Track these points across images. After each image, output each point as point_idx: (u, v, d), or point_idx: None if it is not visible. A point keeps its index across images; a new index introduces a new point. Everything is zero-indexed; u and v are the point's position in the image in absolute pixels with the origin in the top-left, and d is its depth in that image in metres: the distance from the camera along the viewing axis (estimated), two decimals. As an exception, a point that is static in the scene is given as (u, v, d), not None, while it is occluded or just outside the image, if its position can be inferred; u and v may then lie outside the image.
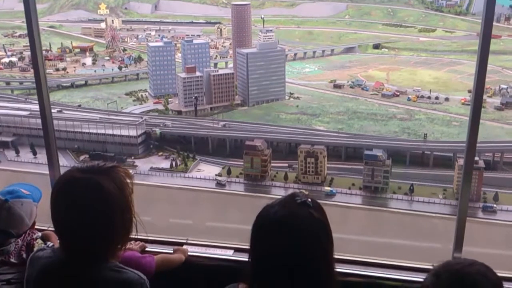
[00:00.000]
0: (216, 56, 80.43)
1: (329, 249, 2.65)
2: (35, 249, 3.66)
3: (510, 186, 43.89)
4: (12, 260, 3.67)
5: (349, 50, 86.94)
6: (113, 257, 2.93)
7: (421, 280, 2.65)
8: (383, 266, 4.56)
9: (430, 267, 4.40)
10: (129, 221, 2.92)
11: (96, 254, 2.85)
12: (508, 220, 40.50)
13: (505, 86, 63.46)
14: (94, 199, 2.81)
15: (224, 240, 4.90)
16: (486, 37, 4.15)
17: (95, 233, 2.80)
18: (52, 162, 4.99)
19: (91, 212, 2.79)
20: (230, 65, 75.83)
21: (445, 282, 2.49)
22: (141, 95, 68.95)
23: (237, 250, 4.69)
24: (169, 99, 66.41)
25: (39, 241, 3.83)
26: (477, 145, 4.45)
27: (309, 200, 2.64)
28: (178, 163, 50.84)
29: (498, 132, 54.39)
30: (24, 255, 3.68)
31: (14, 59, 77.29)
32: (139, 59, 79.38)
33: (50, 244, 3.69)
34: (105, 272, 2.85)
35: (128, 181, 2.96)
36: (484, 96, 56.74)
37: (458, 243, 4.40)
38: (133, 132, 53.02)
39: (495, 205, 41.57)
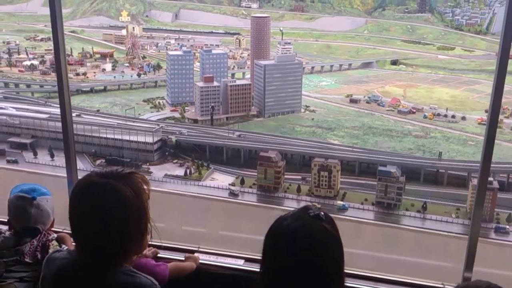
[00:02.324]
0: (234, 66, 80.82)
1: (340, 263, 2.66)
2: (50, 250, 3.72)
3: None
4: (27, 259, 3.73)
5: (366, 65, 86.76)
6: (128, 262, 2.97)
7: None
8: (393, 282, 4.55)
9: (440, 286, 4.42)
10: (145, 227, 2.96)
11: (111, 258, 2.89)
12: (521, 242, 39.98)
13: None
14: (111, 204, 2.85)
15: (235, 250, 4.90)
16: (504, 57, 4.14)
17: (111, 238, 2.84)
18: (71, 165, 5.03)
19: (108, 217, 2.83)
20: (247, 75, 76.13)
21: None
22: (159, 103, 69.43)
23: (248, 260, 4.68)
24: (186, 108, 66.76)
25: (55, 242, 3.88)
26: (492, 165, 4.43)
27: (322, 213, 2.65)
28: (193, 171, 50.99)
29: (514, 153, 53.75)
30: (39, 256, 3.73)
31: (35, 62, 78.28)
32: (158, 67, 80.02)
33: (64, 247, 3.74)
34: (119, 276, 2.89)
35: (145, 187, 2.99)
36: (501, 117, 56.26)
37: (469, 263, 4.37)
38: (149, 139, 53.38)
39: (507, 227, 41.03)
